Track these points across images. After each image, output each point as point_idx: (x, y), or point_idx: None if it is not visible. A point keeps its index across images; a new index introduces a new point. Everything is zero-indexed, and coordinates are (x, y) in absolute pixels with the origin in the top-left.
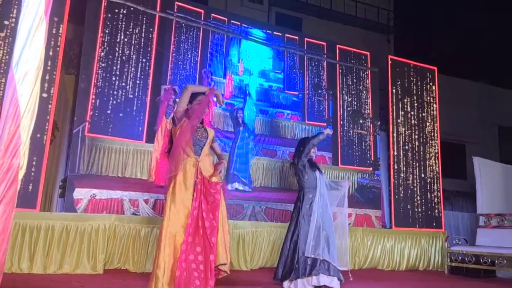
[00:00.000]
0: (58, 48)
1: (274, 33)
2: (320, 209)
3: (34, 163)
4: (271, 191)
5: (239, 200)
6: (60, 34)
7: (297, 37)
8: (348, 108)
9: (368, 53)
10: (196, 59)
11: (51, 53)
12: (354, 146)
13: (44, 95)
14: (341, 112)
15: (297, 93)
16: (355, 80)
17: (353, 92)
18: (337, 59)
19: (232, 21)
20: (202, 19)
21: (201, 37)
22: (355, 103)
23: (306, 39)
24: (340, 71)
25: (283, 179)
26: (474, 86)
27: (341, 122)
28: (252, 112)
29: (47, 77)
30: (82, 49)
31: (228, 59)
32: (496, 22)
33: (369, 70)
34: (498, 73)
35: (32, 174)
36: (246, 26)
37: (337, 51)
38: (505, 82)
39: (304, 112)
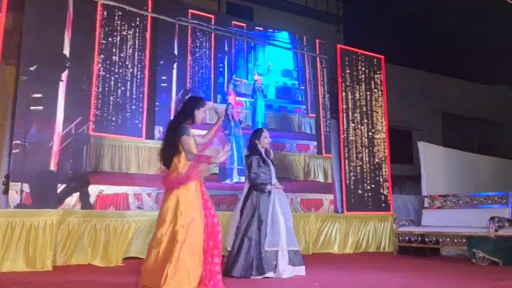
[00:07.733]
0: None
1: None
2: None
3: None
4: None
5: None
6: None
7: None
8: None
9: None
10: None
11: None
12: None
13: None
14: (323, 101)
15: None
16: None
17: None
18: (317, 52)
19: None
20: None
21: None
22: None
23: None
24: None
25: (287, 170)
26: (419, 74)
27: (323, 112)
28: (262, 108)
29: None
30: (22, 38)
31: (249, 59)
32: (440, 11)
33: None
34: (441, 62)
35: None
36: (272, 31)
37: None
38: (448, 71)
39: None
